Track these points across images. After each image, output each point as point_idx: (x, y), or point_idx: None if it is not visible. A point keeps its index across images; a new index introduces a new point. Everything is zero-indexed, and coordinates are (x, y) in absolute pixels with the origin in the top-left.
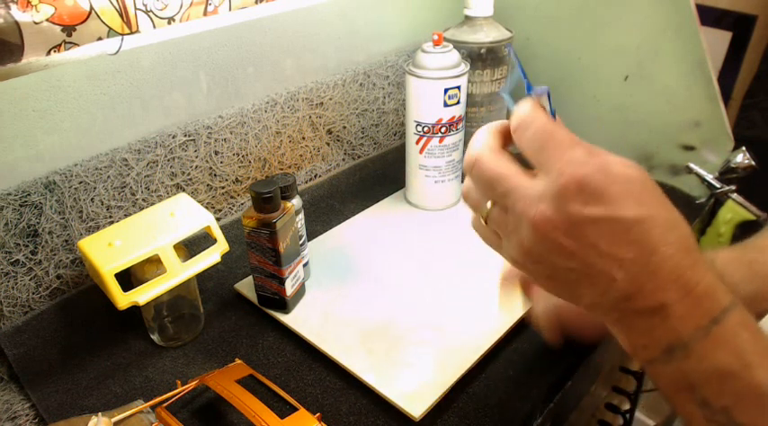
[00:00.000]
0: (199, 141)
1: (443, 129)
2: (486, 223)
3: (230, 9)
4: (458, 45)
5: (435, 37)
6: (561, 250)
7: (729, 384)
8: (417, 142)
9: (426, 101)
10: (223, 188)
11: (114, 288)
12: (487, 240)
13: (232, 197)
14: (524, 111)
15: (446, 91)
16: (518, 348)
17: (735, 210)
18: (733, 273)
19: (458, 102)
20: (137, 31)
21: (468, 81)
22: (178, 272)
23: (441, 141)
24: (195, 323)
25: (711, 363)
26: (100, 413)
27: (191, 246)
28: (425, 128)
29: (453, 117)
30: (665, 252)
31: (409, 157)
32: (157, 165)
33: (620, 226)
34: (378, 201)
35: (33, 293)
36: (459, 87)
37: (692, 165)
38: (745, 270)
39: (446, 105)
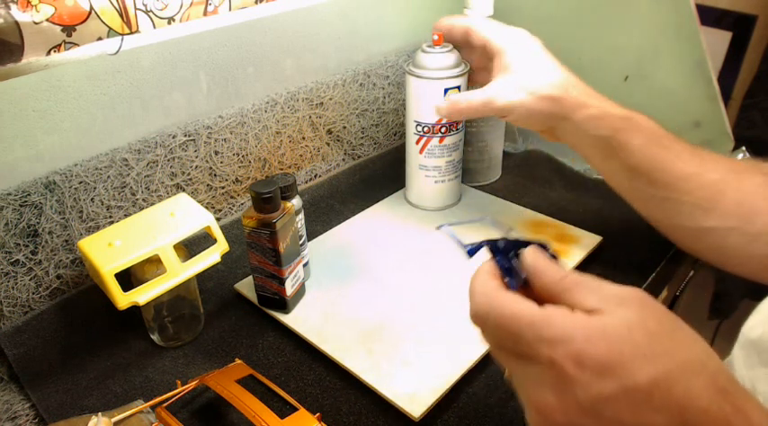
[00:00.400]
0: (199, 141)
1: (443, 129)
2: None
3: (230, 9)
4: None
5: (435, 37)
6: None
7: None
8: (417, 142)
9: (426, 101)
10: (223, 188)
11: (114, 288)
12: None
13: (232, 197)
14: (474, 306)
15: (446, 91)
16: None
17: None
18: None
19: None
20: (137, 31)
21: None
22: (178, 272)
23: (441, 141)
24: (195, 323)
25: None
26: (100, 413)
27: (191, 246)
28: (425, 128)
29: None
30: (698, 406)
31: (409, 157)
32: (157, 165)
33: (641, 393)
34: (378, 201)
35: (33, 293)
36: (458, 87)
37: None
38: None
39: None
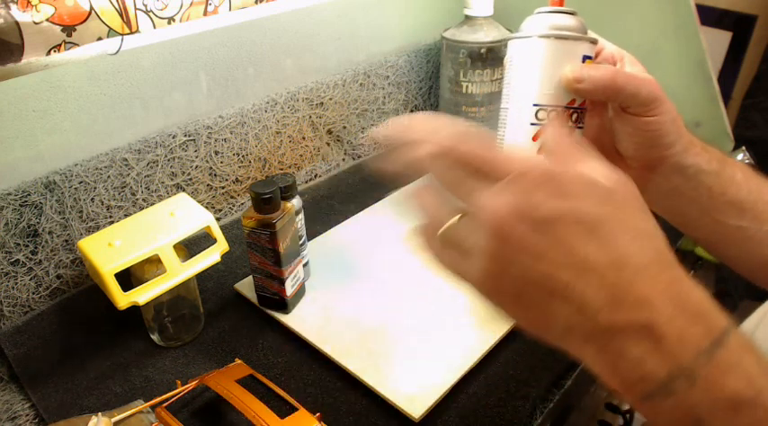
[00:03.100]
0: (199, 141)
1: (575, 116)
2: (443, 240)
3: (230, 9)
4: (458, 45)
5: None
6: (528, 249)
7: (744, 414)
8: (536, 137)
9: (556, 71)
10: (223, 188)
11: (114, 288)
12: (448, 263)
13: (232, 197)
14: (454, 139)
15: (584, 59)
16: (518, 348)
17: None
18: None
19: None
20: (137, 31)
21: (470, 81)
22: (178, 272)
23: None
24: (195, 323)
25: (721, 392)
26: (100, 413)
27: (191, 246)
28: (552, 113)
29: (585, 102)
30: (639, 260)
31: None
32: (157, 165)
33: (586, 222)
34: (378, 201)
35: (33, 293)
36: (591, 58)
37: None
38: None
39: None
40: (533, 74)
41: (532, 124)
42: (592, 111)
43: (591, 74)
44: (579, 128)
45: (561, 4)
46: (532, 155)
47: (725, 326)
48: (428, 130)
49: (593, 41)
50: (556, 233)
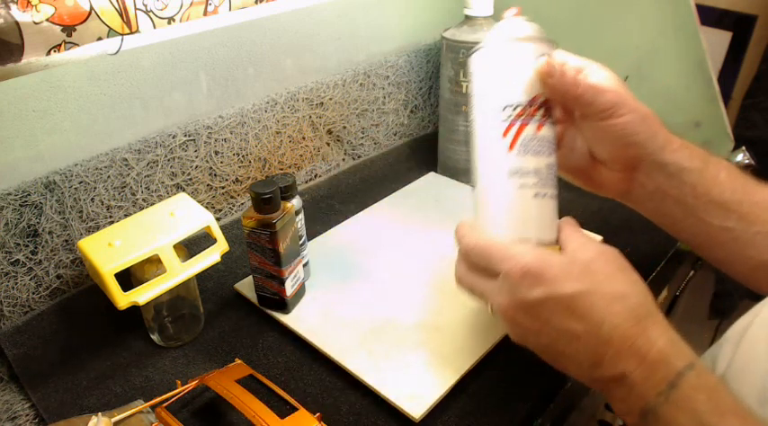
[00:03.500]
0: (199, 141)
1: (543, 111)
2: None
3: (230, 9)
4: (458, 45)
5: (514, 10)
6: (529, 330)
7: None
8: (506, 132)
9: (519, 73)
10: (223, 188)
11: (114, 288)
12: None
13: (232, 197)
14: (462, 245)
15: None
16: (518, 348)
17: None
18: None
19: None
20: (137, 31)
21: (470, 81)
22: (178, 272)
23: (539, 129)
24: (195, 323)
25: None
26: (100, 413)
27: (191, 246)
28: (518, 109)
29: (547, 99)
30: (611, 322)
31: (488, 164)
32: (157, 165)
33: (563, 302)
34: (378, 201)
35: (33, 293)
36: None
37: None
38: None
39: None
40: (495, 77)
41: (502, 121)
42: (565, 123)
43: (559, 72)
44: (549, 120)
45: (518, 15)
46: (515, 251)
47: (680, 370)
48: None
49: (552, 42)
50: (542, 314)
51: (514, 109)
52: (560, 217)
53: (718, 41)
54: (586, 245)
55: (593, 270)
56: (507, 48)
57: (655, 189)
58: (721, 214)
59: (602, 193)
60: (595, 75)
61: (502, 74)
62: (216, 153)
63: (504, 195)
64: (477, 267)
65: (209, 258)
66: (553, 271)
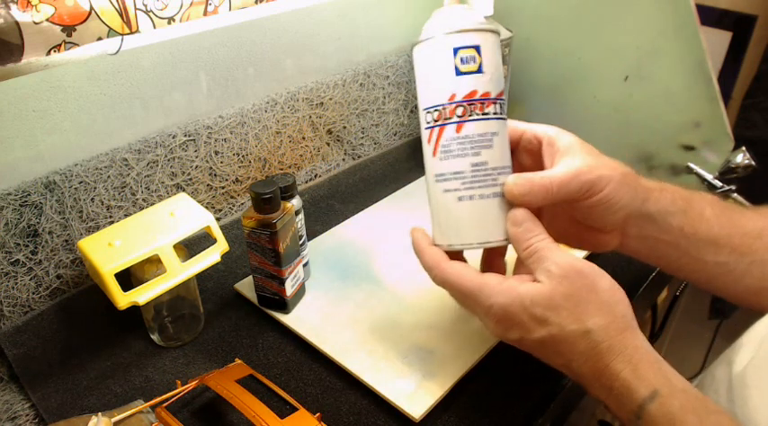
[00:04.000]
0: (199, 141)
1: (460, 111)
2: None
3: (230, 9)
4: None
5: None
6: (522, 346)
7: None
8: (429, 140)
9: (434, 73)
10: (223, 188)
11: (114, 288)
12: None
13: (232, 197)
14: (432, 278)
15: (456, 51)
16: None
17: None
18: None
19: (479, 70)
20: (137, 31)
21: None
22: (178, 272)
23: (459, 129)
24: (195, 323)
25: None
26: (100, 413)
27: (191, 246)
28: (436, 113)
29: (474, 91)
30: (578, 361)
31: (427, 174)
32: (157, 165)
33: (536, 343)
34: (378, 201)
35: (33, 293)
36: (477, 47)
37: (692, 165)
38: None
39: (459, 73)
40: (418, 78)
41: (425, 128)
42: (554, 210)
43: (532, 189)
44: (473, 116)
45: (455, 2)
46: (483, 295)
47: (641, 402)
48: (431, 264)
49: (487, 32)
50: (525, 346)
51: (434, 112)
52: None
53: (718, 41)
54: (551, 273)
55: (556, 306)
56: (426, 46)
57: (645, 237)
58: (713, 250)
59: (597, 251)
60: (561, 165)
61: (422, 74)
62: (216, 153)
63: (436, 203)
64: (454, 297)
65: (209, 258)
66: (519, 318)
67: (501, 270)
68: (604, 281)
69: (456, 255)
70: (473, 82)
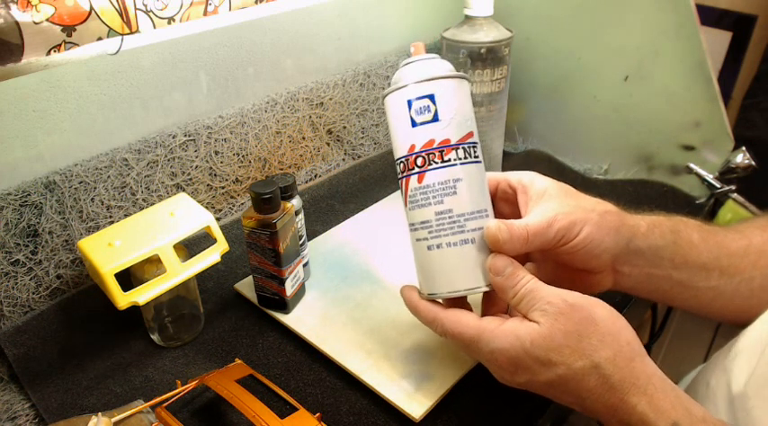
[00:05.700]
0: (199, 141)
1: (420, 161)
2: None
3: (230, 9)
4: (458, 45)
5: (412, 48)
6: (539, 392)
7: None
8: (401, 190)
9: (395, 125)
10: (223, 188)
11: (114, 288)
12: None
13: (232, 197)
14: (432, 329)
15: (410, 103)
16: None
17: (734, 210)
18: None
19: (434, 119)
20: (137, 31)
21: (469, 81)
22: (178, 272)
23: (420, 180)
24: (195, 323)
25: None
26: (100, 413)
27: (191, 246)
28: (401, 165)
29: (432, 141)
30: (590, 398)
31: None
32: (157, 165)
33: (545, 385)
34: (378, 201)
35: (33, 293)
36: (431, 97)
37: (692, 165)
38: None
39: (415, 124)
40: (390, 132)
41: (398, 179)
42: (541, 255)
43: (512, 237)
44: (433, 165)
45: (419, 52)
46: (480, 343)
47: None
48: (429, 319)
49: (449, 78)
50: (534, 388)
51: (400, 163)
52: None
53: (718, 41)
54: (546, 313)
55: (558, 345)
56: (389, 99)
57: (637, 273)
58: (704, 275)
59: (591, 292)
60: (535, 213)
61: (390, 126)
62: (216, 153)
63: (414, 252)
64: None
65: (209, 258)
66: (523, 362)
67: (503, 305)
68: (602, 311)
69: (457, 300)
70: (429, 131)
